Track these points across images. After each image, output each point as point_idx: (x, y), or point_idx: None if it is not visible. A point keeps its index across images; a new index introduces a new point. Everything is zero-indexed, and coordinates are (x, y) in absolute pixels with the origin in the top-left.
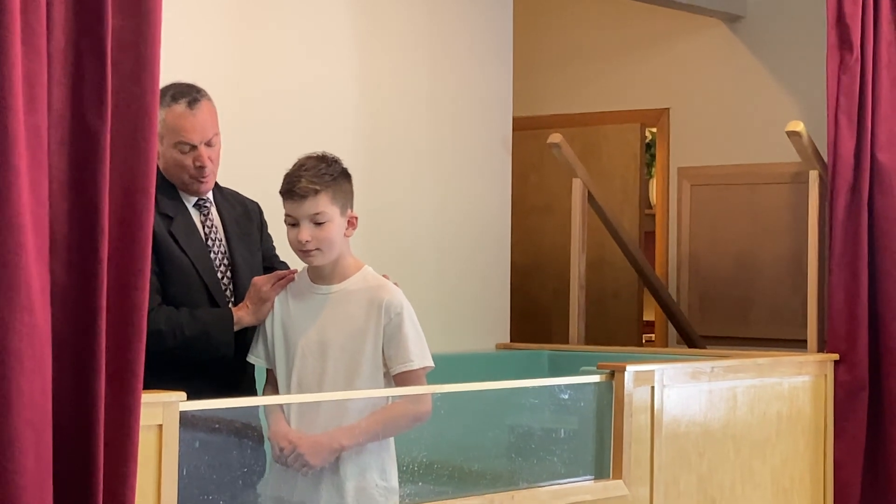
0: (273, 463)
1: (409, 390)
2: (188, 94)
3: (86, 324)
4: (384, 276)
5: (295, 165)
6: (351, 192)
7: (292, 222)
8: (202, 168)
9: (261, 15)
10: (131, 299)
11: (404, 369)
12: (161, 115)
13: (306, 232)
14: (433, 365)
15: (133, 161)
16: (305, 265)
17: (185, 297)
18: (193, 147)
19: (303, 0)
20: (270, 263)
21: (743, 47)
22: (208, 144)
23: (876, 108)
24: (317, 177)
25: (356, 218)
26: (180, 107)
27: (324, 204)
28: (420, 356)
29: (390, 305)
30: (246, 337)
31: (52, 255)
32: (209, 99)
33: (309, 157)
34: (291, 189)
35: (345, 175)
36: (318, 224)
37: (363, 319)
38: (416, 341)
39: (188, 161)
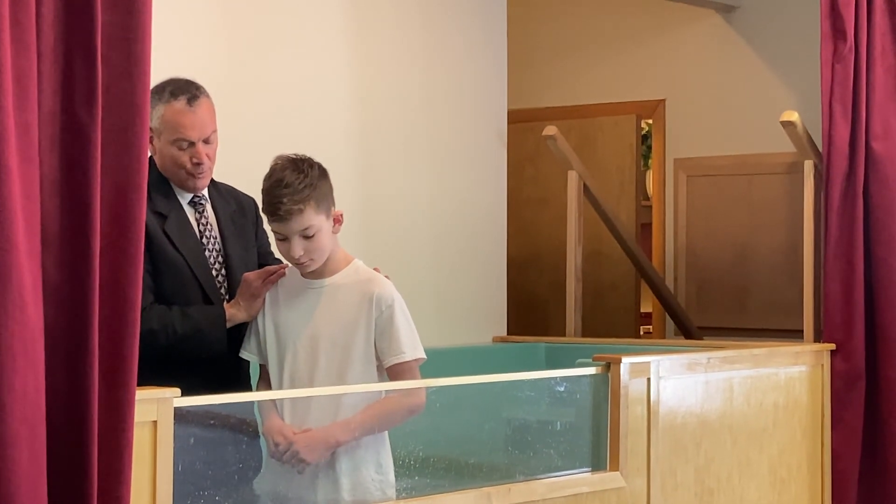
0: (269, 458)
1: (404, 384)
2: (188, 90)
3: (79, 320)
4: (375, 269)
5: (273, 180)
6: (331, 190)
7: (281, 238)
8: (199, 165)
9: (252, 8)
10: (124, 295)
11: (397, 361)
12: (159, 111)
13: (298, 247)
14: (425, 356)
15: (124, 157)
16: None
17: (179, 295)
18: (192, 144)
19: None
20: (265, 260)
21: (737, 37)
22: (206, 142)
23: (870, 97)
24: (297, 193)
25: (341, 214)
26: (180, 103)
27: (309, 218)
28: (412, 348)
29: (381, 298)
30: (240, 333)
31: (43, 252)
32: (208, 96)
33: (284, 167)
34: (275, 212)
35: (322, 175)
36: (308, 237)
37: (354, 313)
38: (407, 333)
39: (185, 158)
